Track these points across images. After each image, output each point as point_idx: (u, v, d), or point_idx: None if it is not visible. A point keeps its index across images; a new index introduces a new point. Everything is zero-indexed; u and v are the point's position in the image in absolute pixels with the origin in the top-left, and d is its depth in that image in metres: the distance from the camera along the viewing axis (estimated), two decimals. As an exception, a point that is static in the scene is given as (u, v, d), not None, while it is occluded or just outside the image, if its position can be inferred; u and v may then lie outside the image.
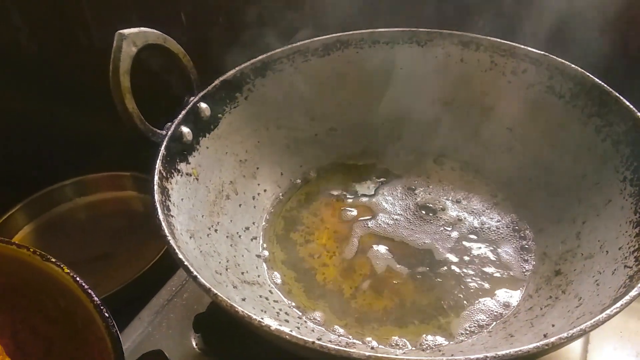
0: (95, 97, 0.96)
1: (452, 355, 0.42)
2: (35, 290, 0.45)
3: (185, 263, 0.37)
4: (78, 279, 0.43)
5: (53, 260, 0.44)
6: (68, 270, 0.43)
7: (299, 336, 0.32)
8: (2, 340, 0.46)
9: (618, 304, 0.33)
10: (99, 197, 0.95)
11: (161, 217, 0.41)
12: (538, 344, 0.31)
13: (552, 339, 0.31)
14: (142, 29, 0.48)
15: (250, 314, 0.34)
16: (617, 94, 0.49)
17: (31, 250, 0.44)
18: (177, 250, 0.38)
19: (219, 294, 0.35)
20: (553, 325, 0.41)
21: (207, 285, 0.36)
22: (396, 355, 0.43)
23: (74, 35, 0.93)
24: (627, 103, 0.48)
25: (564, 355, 0.49)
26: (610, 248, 0.44)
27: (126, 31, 0.46)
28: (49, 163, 0.93)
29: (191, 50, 0.53)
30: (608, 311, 0.33)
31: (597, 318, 0.33)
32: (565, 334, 0.32)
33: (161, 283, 0.58)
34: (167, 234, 0.40)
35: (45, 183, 0.89)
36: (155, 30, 0.49)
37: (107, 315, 0.41)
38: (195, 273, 0.37)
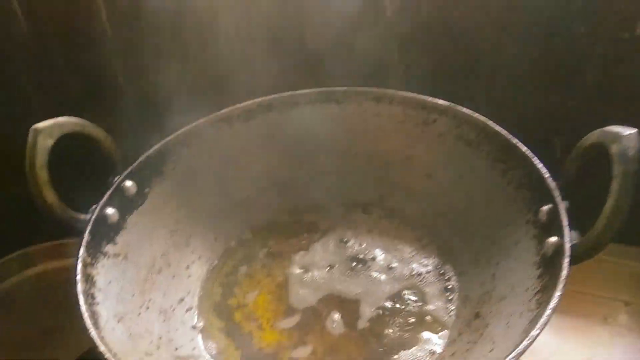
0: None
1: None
2: None
3: (107, 355, 0.38)
4: None
5: None
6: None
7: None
8: None
9: (513, 354, 0.36)
10: (46, 267, 0.94)
11: (83, 308, 0.42)
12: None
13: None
14: (58, 119, 0.49)
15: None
16: (516, 141, 0.53)
17: None
18: (98, 343, 0.39)
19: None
20: (468, 373, 0.43)
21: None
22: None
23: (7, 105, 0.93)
24: (523, 148, 0.51)
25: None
26: (519, 290, 0.46)
27: (40, 125, 0.48)
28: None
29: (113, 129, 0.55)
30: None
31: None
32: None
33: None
34: (90, 327, 0.40)
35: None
36: (72, 118, 0.51)
37: None
38: (116, 365, 0.38)
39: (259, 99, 0.63)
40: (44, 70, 0.75)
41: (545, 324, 0.38)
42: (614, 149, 0.40)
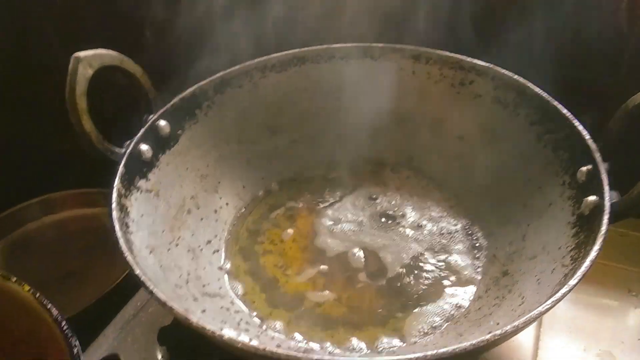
0: (60, 114, 0.97)
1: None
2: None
3: (143, 278, 0.39)
4: (38, 295, 0.43)
5: (14, 279, 0.45)
6: (29, 288, 0.44)
7: (251, 344, 0.34)
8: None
9: (549, 302, 0.36)
10: (67, 214, 0.95)
11: (119, 234, 0.42)
12: (473, 342, 0.33)
13: (487, 336, 0.34)
14: (98, 50, 0.49)
15: (204, 324, 0.35)
16: (556, 103, 0.52)
17: None
18: (134, 266, 0.40)
19: (174, 306, 0.37)
20: (497, 324, 0.43)
21: (163, 298, 0.37)
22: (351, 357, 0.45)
23: (35, 55, 0.94)
24: (565, 111, 0.51)
25: (516, 353, 0.52)
26: (551, 248, 0.46)
27: (82, 54, 0.48)
28: (16, 182, 0.93)
29: (152, 69, 0.55)
30: (540, 308, 0.35)
31: (529, 315, 0.35)
32: (498, 331, 0.34)
33: (128, 300, 0.59)
34: (125, 251, 0.41)
35: (11, 202, 0.89)
36: (111, 52, 0.51)
37: (65, 328, 0.41)
38: (152, 287, 0.38)
39: (295, 50, 0.63)
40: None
41: (584, 274, 0.37)
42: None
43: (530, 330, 0.54)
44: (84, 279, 0.78)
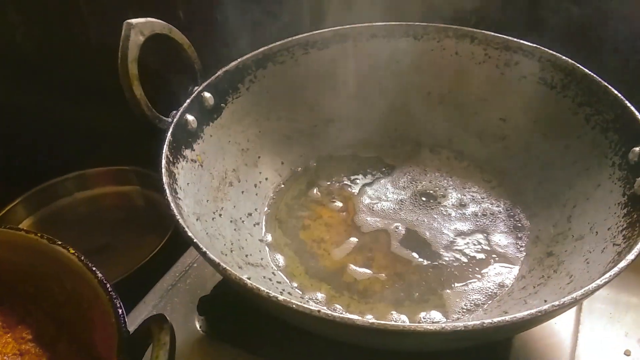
0: (94, 92, 0.98)
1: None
2: (43, 276, 0.46)
3: (195, 240, 0.39)
4: (83, 258, 0.44)
5: (59, 242, 0.45)
6: (73, 251, 0.45)
7: (306, 306, 0.34)
8: (17, 326, 0.47)
9: (606, 275, 0.35)
10: (100, 191, 0.96)
11: (170, 197, 0.43)
12: (532, 311, 0.33)
13: (545, 307, 0.33)
14: (149, 19, 0.50)
15: (258, 286, 0.36)
16: (606, 84, 0.51)
17: (38, 235, 0.46)
18: (186, 229, 0.40)
19: (227, 267, 0.37)
20: (545, 301, 0.42)
21: (217, 260, 0.38)
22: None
23: (71, 32, 0.95)
24: (615, 92, 0.50)
25: (555, 338, 0.51)
26: (600, 229, 0.46)
27: (134, 21, 0.48)
28: (50, 157, 0.94)
29: (193, 42, 0.55)
30: (597, 281, 0.35)
31: (586, 288, 0.35)
32: (557, 302, 0.34)
33: (161, 274, 0.60)
34: (177, 214, 0.41)
35: (46, 177, 0.90)
36: (161, 21, 0.51)
37: (110, 289, 0.42)
38: (204, 249, 0.38)
39: (337, 27, 0.62)
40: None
41: (639, 253, 0.37)
42: None
43: (571, 314, 0.53)
44: (115, 254, 0.79)
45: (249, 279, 0.44)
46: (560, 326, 0.52)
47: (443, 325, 0.32)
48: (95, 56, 0.94)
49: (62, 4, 0.92)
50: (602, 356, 0.50)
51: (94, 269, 0.44)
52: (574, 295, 0.34)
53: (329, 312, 0.33)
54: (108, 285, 0.43)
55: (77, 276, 0.44)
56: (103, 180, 0.97)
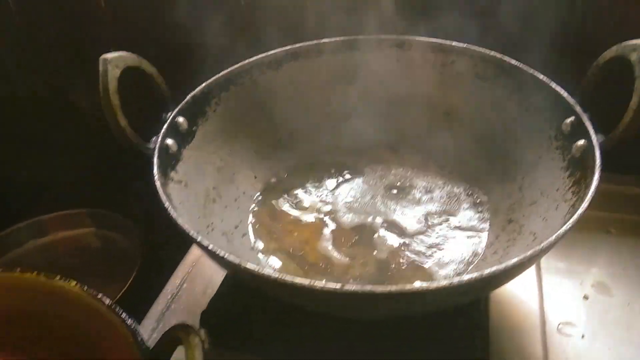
0: (41, 139, 0.96)
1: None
2: (45, 315, 0.46)
3: (211, 247, 0.42)
4: (86, 288, 0.44)
5: (58, 277, 0.45)
6: (75, 283, 0.45)
7: (317, 282, 0.38)
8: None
9: (570, 221, 0.42)
10: (55, 237, 0.95)
11: (179, 220, 0.45)
12: (516, 259, 0.39)
13: (528, 253, 0.39)
14: (121, 53, 0.52)
15: (269, 272, 0.39)
16: (531, 70, 0.59)
17: (34, 273, 0.45)
18: (206, 241, 0.42)
19: (241, 262, 0.40)
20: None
21: (237, 260, 0.41)
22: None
23: (16, 84, 0.93)
24: (542, 76, 0.58)
25: (525, 293, 0.58)
26: (550, 191, 0.53)
27: (109, 55, 0.50)
28: (1, 207, 0.91)
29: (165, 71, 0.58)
30: (560, 231, 0.41)
31: (550, 238, 0.41)
32: (537, 247, 0.40)
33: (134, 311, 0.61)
34: (190, 231, 0.44)
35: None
36: (132, 54, 0.54)
37: (121, 312, 0.43)
38: (224, 254, 0.41)
39: (287, 47, 0.67)
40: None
41: (590, 201, 0.44)
42: (634, 56, 0.48)
43: (532, 274, 0.61)
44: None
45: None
46: (527, 285, 0.59)
47: (452, 280, 0.37)
48: (40, 106, 0.94)
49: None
50: (566, 305, 0.58)
51: (99, 296, 0.45)
52: (542, 244, 0.40)
53: (338, 284, 0.37)
54: (118, 309, 0.44)
55: (82, 308, 0.44)
56: (57, 225, 0.95)
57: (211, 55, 0.66)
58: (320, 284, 0.37)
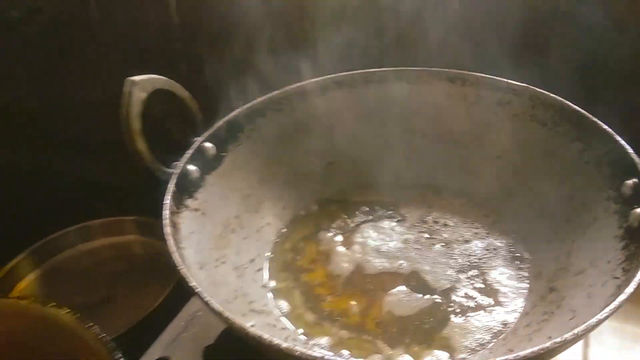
0: (96, 147, 1.00)
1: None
2: (38, 342, 0.46)
3: (199, 289, 0.40)
4: (78, 316, 0.44)
5: (52, 304, 0.45)
6: (67, 310, 0.45)
7: (309, 352, 0.34)
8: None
9: (606, 310, 0.36)
10: (102, 242, 0.97)
11: (173, 248, 0.43)
12: (535, 348, 0.33)
13: (547, 344, 0.34)
14: (151, 75, 0.52)
15: (260, 333, 0.36)
16: (595, 119, 0.53)
17: (31, 299, 0.46)
18: (190, 278, 0.40)
19: (230, 316, 0.37)
20: (549, 337, 0.42)
21: (220, 308, 0.38)
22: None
23: (74, 90, 0.98)
24: (604, 126, 0.51)
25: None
26: (599, 263, 0.46)
27: (136, 78, 0.50)
28: (53, 211, 0.95)
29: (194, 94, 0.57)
30: (598, 316, 0.35)
31: (587, 323, 0.35)
32: (559, 339, 0.34)
33: (166, 324, 0.60)
34: (180, 264, 0.42)
35: (49, 231, 0.91)
36: (162, 77, 0.53)
37: (109, 344, 0.42)
38: (208, 298, 0.39)
39: (332, 75, 0.64)
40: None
41: (637, 285, 0.37)
42: None
43: (578, 348, 0.53)
44: (117, 306, 0.79)
45: (252, 326, 0.45)
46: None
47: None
48: (96, 113, 0.97)
49: (67, 64, 0.95)
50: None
51: (89, 325, 0.44)
52: (575, 331, 0.34)
53: (333, 356, 0.33)
54: (104, 338, 0.43)
55: (73, 335, 0.44)
56: (104, 231, 0.97)
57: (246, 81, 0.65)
58: (296, 351, 0.34)
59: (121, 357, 0.42)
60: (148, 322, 0.65)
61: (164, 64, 0.85)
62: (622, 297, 0.36)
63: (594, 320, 0.35)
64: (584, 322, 0.36)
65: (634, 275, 0.38)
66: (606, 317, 0.36)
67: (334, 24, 0.68)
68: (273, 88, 0.63)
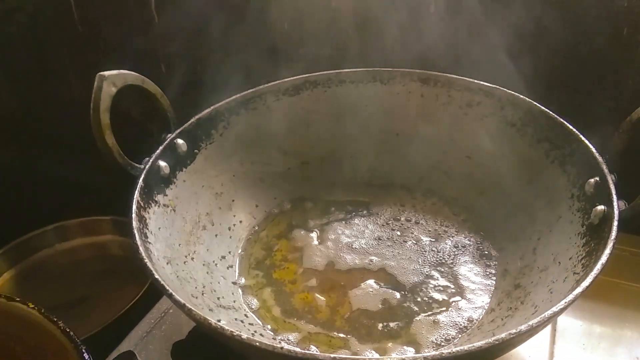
0: (74, 145, 1.00)
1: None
2: (3, 337, 0.46)
3: (162, 282, 0.40)
4: (43, 311, 0.44)
5: (17, 299, 0.45)
6: (33, 306, 0.45)
7: (268, 343, 0.34)
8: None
9: (562, 302, 0.36)
10: (79, 242, 0.96)
11: (139, 242, 0.43)
12: (489, 339, 0.34)
13: (502, 335, 0.34)
14: (122, 71, 0.52)
15: (223, 325, 0.36)
16: (562, 120, 0.54)
17: None
18: (153, 272, 0.40)
19: (193, 308, 0.37)
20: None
21: (182, 301, 0.38)
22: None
23: (53, 89, 0.97)
24: (571, 127, 0.52)
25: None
26: (562, 259, 0.47)
27: (106, 73, 0.50)
28: (30, 210, 0.95)
29: (169, 92, 0.57)
30: (554, 308, 0.36)
31: (542, 315, 0.35)
32: (514, 330, 0.34)
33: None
34: (144, 257, 0.42)
35: (26, 230, 0.91)
36: (133, 72, 0.53)
37: (75, 338, 0.42)
38: (170, 291, 0.39)
39: (307, 75, 0.65)
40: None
41: (596, 277, 0.38)
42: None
43: (545, 345, 0.54)
44: (93, 305, 0.78)
45: (219, 321, 0.45)
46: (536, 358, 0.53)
47: (425, 355, 0.32)
48: (75, 112, 0.97)
49: (48, 64, 0.95)
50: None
51: (55, 319, 0.44)
52: (531, 322, 0.35)
53: (292, 347, 0.34)
54: (72, 334, 0.43)
55: (40, 331, 0.44)
56: (81, 231, 0.97)
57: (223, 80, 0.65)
58: (256, 342, 0.34)
59: (87, 351, 0.42)
60: (123, 321, 0.65)
61: (143, 63, 0.85)
62: (578, 290, 0.37)
63: (548, 312, 0.36)
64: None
65: (591, 270, 0.39)
66: (562, 310, 0.36)
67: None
68: (247, 87, 0.63)
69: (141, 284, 0.81)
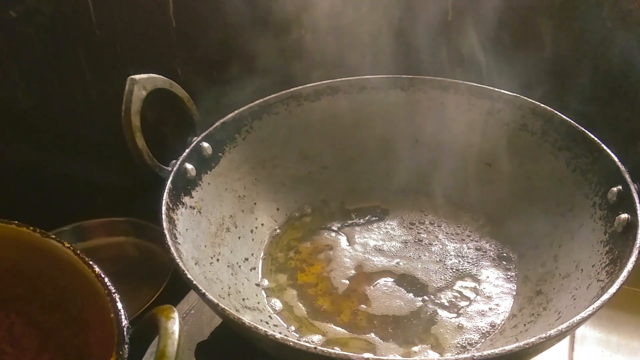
0: (91, 147, 1.01)
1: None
2: (33, 276, 0.44)
3: (194, 282, 0.40)
4: (79, 252, 0.41)
5: (53, 236, 0.42)
6: (68, 245, 0.42)
7: (302, 342, 0.35)
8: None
9: (590, 308, 0.37)
10: (96, 242, 0.98)
11: (170, 242, 0.44)
12: (520, 343, 0.34)
13: (532, 339, 0.35)
14: (151, 75, 0.53)
15: (256, 325, 0.37)
16: (583, 129, 0.54)
17: (31, 228, 0.43)
18: (186, 272, 0.41)
19: (226, 307, 0.38)
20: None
21: (215, 300, 0.39)
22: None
23: (70, 90, 0.99)
24: (592, 136, 0.53)
25: None
26: (585, 266, 0.48)
27: (137, 76, 0.51)
28: (47, 211, 0.96)
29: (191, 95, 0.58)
30: (582, 314, 0.36)
31: (571, 321, 0.36)
32: (543, 335, 0.35)
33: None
34: (176, 258, 0.43)
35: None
36: (162, 76, 0.54)
37: (107, 283, 0.39)
38: (203, 290, 0.40)
39: (328, 81, 0.66)
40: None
41: (622, 284, 0.39)
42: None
43: (564, 354, 0.54)
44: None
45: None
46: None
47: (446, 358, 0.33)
48: (92, 114, 0.99)
49: (65, 66, 0.96)
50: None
51: (90, 262, 0.41)
52: (559, 327, 0.35)
53: (326, 348, 0.34)
54: (106, 280, 0.40)
55: (72, 272, 0.41)
56: (98, 231, 0.98)
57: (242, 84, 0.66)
58: (290, 341, 0.34)
59: (120, 300, 0.39)
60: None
61: (160, 66, 0.87)
62: (605, 297, 0.37)
63: (577, 318, 0.36)
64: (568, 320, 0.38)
65: (617, 277, 0.39)
66: (589, 316, 0.37)
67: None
68: (269, 92, 0.64)
69: (157, 285, 0.82)
